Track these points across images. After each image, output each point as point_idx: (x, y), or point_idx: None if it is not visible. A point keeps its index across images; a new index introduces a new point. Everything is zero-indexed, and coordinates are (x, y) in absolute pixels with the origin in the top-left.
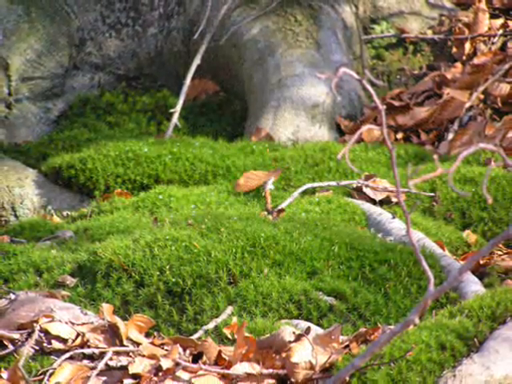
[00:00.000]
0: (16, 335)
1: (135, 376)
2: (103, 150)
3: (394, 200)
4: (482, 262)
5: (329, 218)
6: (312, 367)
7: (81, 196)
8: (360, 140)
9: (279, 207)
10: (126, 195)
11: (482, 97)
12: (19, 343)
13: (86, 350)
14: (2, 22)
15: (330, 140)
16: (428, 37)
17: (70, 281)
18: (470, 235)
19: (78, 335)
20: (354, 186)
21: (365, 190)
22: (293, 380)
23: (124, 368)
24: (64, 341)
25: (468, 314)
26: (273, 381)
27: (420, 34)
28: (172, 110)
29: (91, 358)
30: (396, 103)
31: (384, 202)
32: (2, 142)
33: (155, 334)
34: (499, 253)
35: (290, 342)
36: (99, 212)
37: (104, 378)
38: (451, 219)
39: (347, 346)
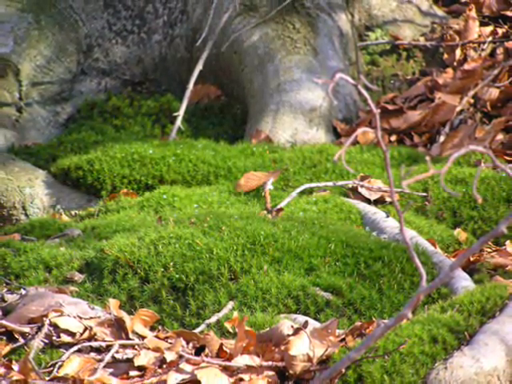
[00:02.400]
0: (26, 329)
1: (140, 368)
2: (110, 151)
3: (388, 200)
4: (472, 258)
5: (326, 216)
6: (309, 359)
7: (88, 196)
8: (355, 142)
9: (278, 206)
10: (132, 195)
11: (472, 101)
12: (29, 336)
13: (94, 343)
14: (13, 29)
15: (327, 142)
16: (420, 43)
17: (78, 277)
18: (460, 233)
19: (85, 329)
20: (350, 186)
21: (360, 190)
22: (291, 372)
23: (130, 360)
24: (72, 334)
25: (459, 308)
26: (272, 372)
27: (413, 40)
28: (175, 114)
29: (98, 350)
30: (390, 107)
31: (378, 202)
32: (13, 144)
33: (159, 327)
34: (489, 250)
35: (289, 335)
36: (106, 211)
37: (110, 370)
38: (443, 218)
39: (343, 340)
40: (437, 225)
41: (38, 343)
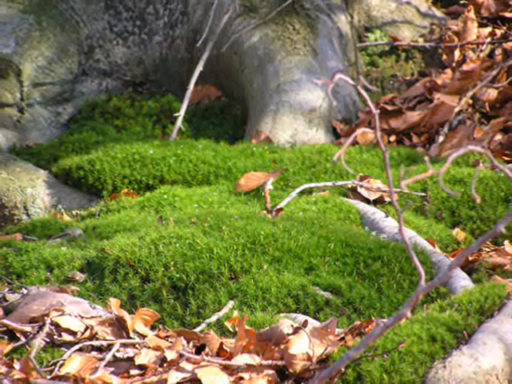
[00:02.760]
0: (28, 328)
1: (141, 367)
2: (111, 152)
3: (387, 199)
4: (470, 258)
5: (325, 216)
6: (309, 358)
7: (89, 196)
8: (355, 143)
9: (278, 206)
10: (133, 195)
11: (470, 102)
12: (31, 336)
13: (95, 342)
14: (14, 30)
15: (327, 142)
16: (419, 44)
17: (80, 276)
18: (459, 233)
19: (86, 328)
20: (350, 186)
21: (359, 190)
22: (291, 371)
23: (130, 359)
24: (73, 333)
25: (457, 307)
26: (272, 371)
27: (412, 41)
28: (176, 114)
29: (99, 349)
30: (389, 108)
31: (378, 202)
32: (15, 144)
33: (160, 326)
34: (487, 250)
35: (289, 334)
36: (107, 211)
37: (111, 369)
38: (441, 218)
39: (343, 339)
40: (436, 224)
41: (39, 342)
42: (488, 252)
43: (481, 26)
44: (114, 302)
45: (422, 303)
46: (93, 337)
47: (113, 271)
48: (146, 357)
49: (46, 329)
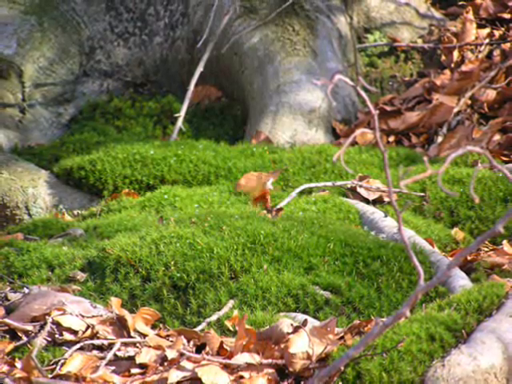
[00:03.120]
0: (29, 327)
1: (142, 366)
2: (112, 152)
3: (386, 199)
4: (469, 258)
5: (325, 216)
6: (309, 357)
7: (90, 196)
8: (354, 143)
9: (278, 206)
10: (134, 195)
11: (469, 102)
12: (32, 335)
13: (96, 342)
14: (16, 31)
15: (326, 143)
16: (418, 45)
17: (81, 276)
18: (458, 233)
19: (87, 327)
20: (349, 186)
21: (359, 190)
22: (291, 369)
23: (131, 358)
24: (75, 332)
25: (456, 307)
26: (272, 370)
27: (411, 42)
28: (177, 115)
29: (100, 348)
30: (388, 108)
31: (377, 202)
32: (17, 144)
33: (161, 326)
34: (486, 249)
35: (288, 333)
36: (108, 211)
37: (112, 368)
38: (440, 218)
39: (342, 338)
40: (434, 224)
41: (40, 341)
42: (486, 251)
43: (479, 27)
44: (114, 302)
45: (420, 302)
46: (94, 336)
47: (114, 271)
48: (146, 356)
49: (48, 328)
